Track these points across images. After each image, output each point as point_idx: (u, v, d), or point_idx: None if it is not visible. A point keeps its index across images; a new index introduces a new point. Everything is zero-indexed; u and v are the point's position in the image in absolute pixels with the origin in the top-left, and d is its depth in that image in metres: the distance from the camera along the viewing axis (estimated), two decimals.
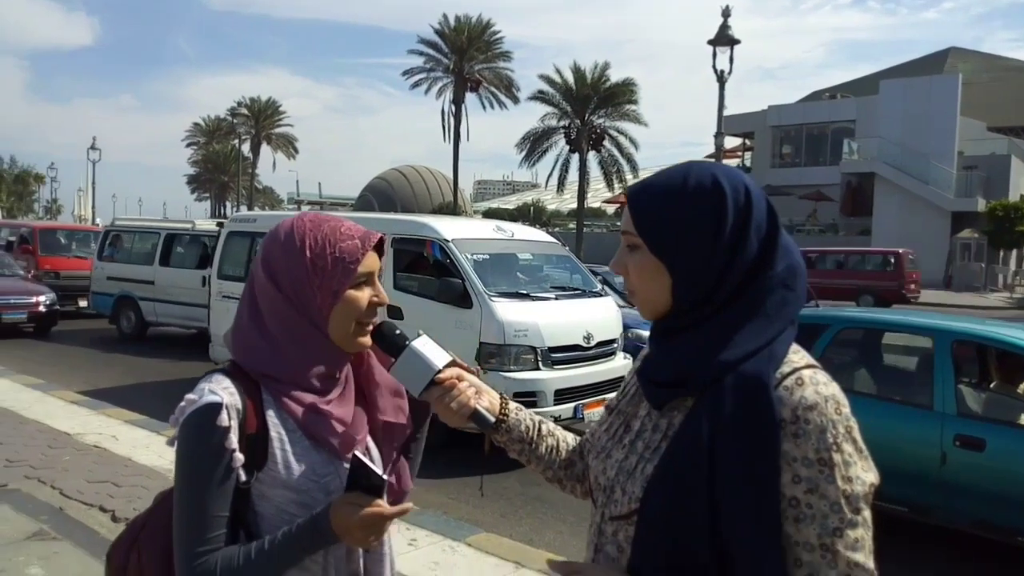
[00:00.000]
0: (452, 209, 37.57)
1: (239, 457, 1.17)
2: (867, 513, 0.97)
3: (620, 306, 7.46)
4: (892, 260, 22.19)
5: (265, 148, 61.33)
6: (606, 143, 35.24)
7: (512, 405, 1.33)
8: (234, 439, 1.17)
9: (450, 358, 1.26)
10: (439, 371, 1.24)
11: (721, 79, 17.39)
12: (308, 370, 1.26)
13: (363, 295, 1.27)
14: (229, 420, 1.17)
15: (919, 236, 30.48)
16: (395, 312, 6.58)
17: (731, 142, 40.74)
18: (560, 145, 36.13)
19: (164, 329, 12.55)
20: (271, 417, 1.23)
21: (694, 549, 0.99)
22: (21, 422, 6.44)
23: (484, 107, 40.71)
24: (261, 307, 1.27)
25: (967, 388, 4.82)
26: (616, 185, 36.24)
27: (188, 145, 72.33)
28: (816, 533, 0.95)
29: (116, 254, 12.96)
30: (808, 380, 1.00)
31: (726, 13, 16.95)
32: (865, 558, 0.96)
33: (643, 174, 31.48)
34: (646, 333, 2.90)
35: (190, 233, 12.25)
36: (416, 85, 40.68)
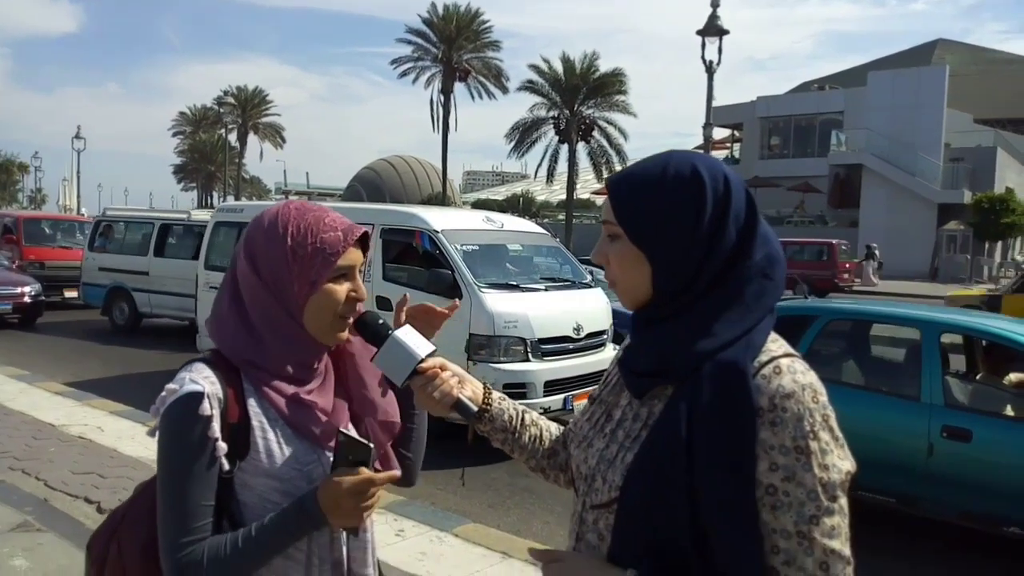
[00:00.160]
0: (441, 200, 37.50)
1: (221, 446, 1.17)
2: (844, 501, 0.98)
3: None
4: (826, 250, 22.85)
5: (252, 138, 61.02)
6: (595, 134, 35.26)
7: (495, 395, 1.33)
8: (216, 428, 1.17)
9: (433, 348, 1.27)
10: (421, 360, 1.24)
11: (710, 70, 17.38)
12: (287, 359, 1.26)
13: (341, 288, 1.26)
14: (210, 409, 1.17)
15: (906, 228, 30.72)
16: (384, 303, 6.57)
17: (720, 133, 40.88)
18: (549, 136, 36.17)
19: (151, 320, 12.44)
20: (252, 406, 1.23)
21: (673, 536, 1.00)
22: (5, 413, 6.39)
23: (473, 97, 40.69)
24: (241, 294, 1.27)
25: (954, 379, 4.85)
26: (605, 176, 36.25)
27: (175, 134, 71.84)
28: (793, 520, 0.96)
29: (108, 245, 12.81)
30: (786, 369, 1.01)
31: (715, 3, 16.89)
32: (841, 545, 0.97)
33: None
34: None
35: (185, 223, 12.13)
36: (404, 74, 40.59)
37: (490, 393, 1.33)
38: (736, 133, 44.39)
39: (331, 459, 1.26)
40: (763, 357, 1.02)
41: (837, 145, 34.79)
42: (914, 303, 8.82)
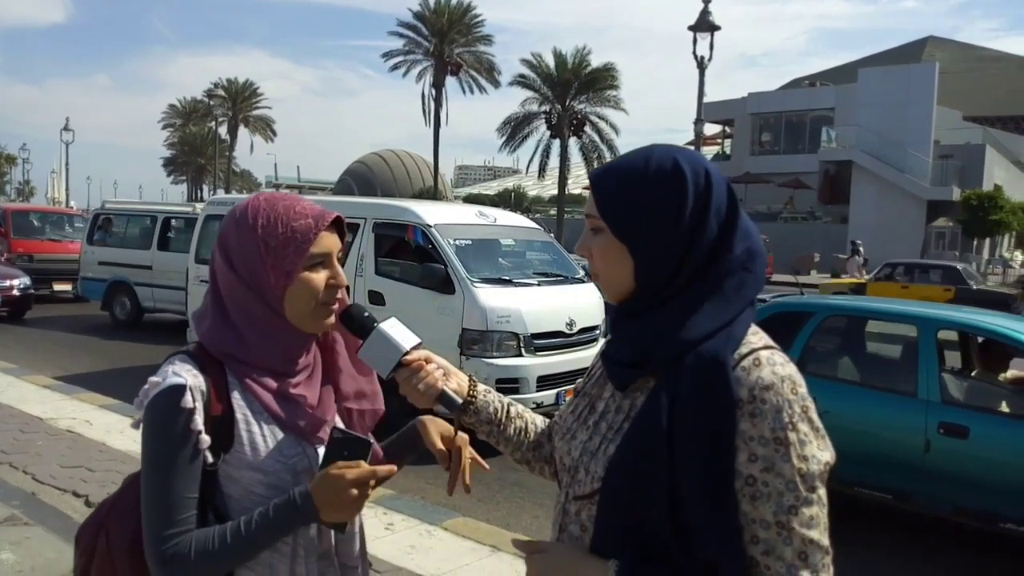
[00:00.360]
0: (433, 194, 37.39)
1: (205, 439, 1.17)
2: (822, 492, 0.99)
3: None
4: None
5: (243, 131, 60.53)
6: (587, 129, 35.22)
7: (480, 387, 1.34)
8: (199, 420, 1.17)
9: (418, 340, 1.27)
10: (406, 352, 1.25)
11: (701, 65, 17.40)
12: (268, 353, 1.25)
13: (319, 276, 1.25)
14: (193, 402, 1.17)
15: (895, 224, 30.84)
16: (376, 298, 6.56)
17: (711, 129, 40.86)
18: (541, 131, 36.10)
19: (151, 315, 12.25)
20: (236, 399, 1.23)
21: (654, 527, 1.01)
22: None
23: (464, 91, 40.49)
24: (220, 288, 1.27)
25: (950, 376, 4.86)
26: None
27: (164, 127, 71.34)
28: (772, 511, 0.97)
29: (108, 238, 12.62)
30: (765, 361, 1.02)
31: None
32: (820, 535, 0.98)
33: None
34: None
35: (189, 216, 11.95)
36: (395, 68, 40.30)
37: (475, 385, 1.34)
38: (727, 129, 44.47)
39: (316, 452, 1.27)
40: (743, 349, 1.03)
41: (827, 141, 34.91)
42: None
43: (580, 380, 1.27)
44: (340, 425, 1.33)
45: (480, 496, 5.22)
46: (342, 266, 1.32)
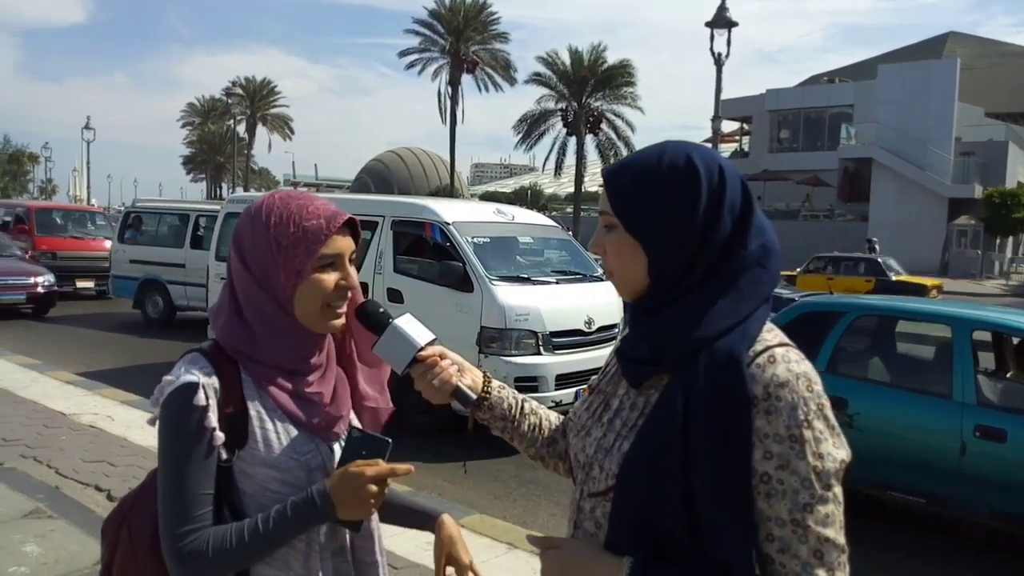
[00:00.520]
0: (449, 192, 37.44)
1: (219, 435, 1.18)
2: (838, 490, 0.99)
3: None
4: None
5: (261, 129, 61.09)
6: (603, 126, 35.13)
7: (495, 383, 1.35)
8: (212, 418, 1.18)
9: (432, 336, 1.28)
10: (421, 348, 1.25)
11: (718, 62, 17.30)
12: (281, 350, 1.26)
13: (329, 277, 1.25)
14: (206, 399, 1.18)
15: (916, 222, 30.49)
16: (395, 295, 6.58)
17: (729, 126, 40.63)
18: (557, 128, 36.08)
19: (182, 313, 12.26)
20: (250, 396, 1.24)
21: (668, 524, 1.01)
22: (17, 402, 6.46)
23: (480, 89, 40.55)
24: (235, 286, 1.28)
25: (985, 377, 4.76)
26: None
27: (183, 125, 71.94)
28: (787, 508, 0.97)
29: (139, 237, 12.70)
30: (780, 358, 1.02)
31: None
32: (836, 533, 0.98)
33: None
34: None
35: None
36: (412, 66, 40.42)
37: (489, 382, 1.34)
38: (745, 126, 44.13)
39: (330, 449, 1.28)
40: (758, 346, 1.03)
41: (847, 138, 34.54)
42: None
43: (595, 377, 1.27)
44: (356, 423, 1.34)
45: (496, 493, 5.23)
46: (359, 265, 1.33)
